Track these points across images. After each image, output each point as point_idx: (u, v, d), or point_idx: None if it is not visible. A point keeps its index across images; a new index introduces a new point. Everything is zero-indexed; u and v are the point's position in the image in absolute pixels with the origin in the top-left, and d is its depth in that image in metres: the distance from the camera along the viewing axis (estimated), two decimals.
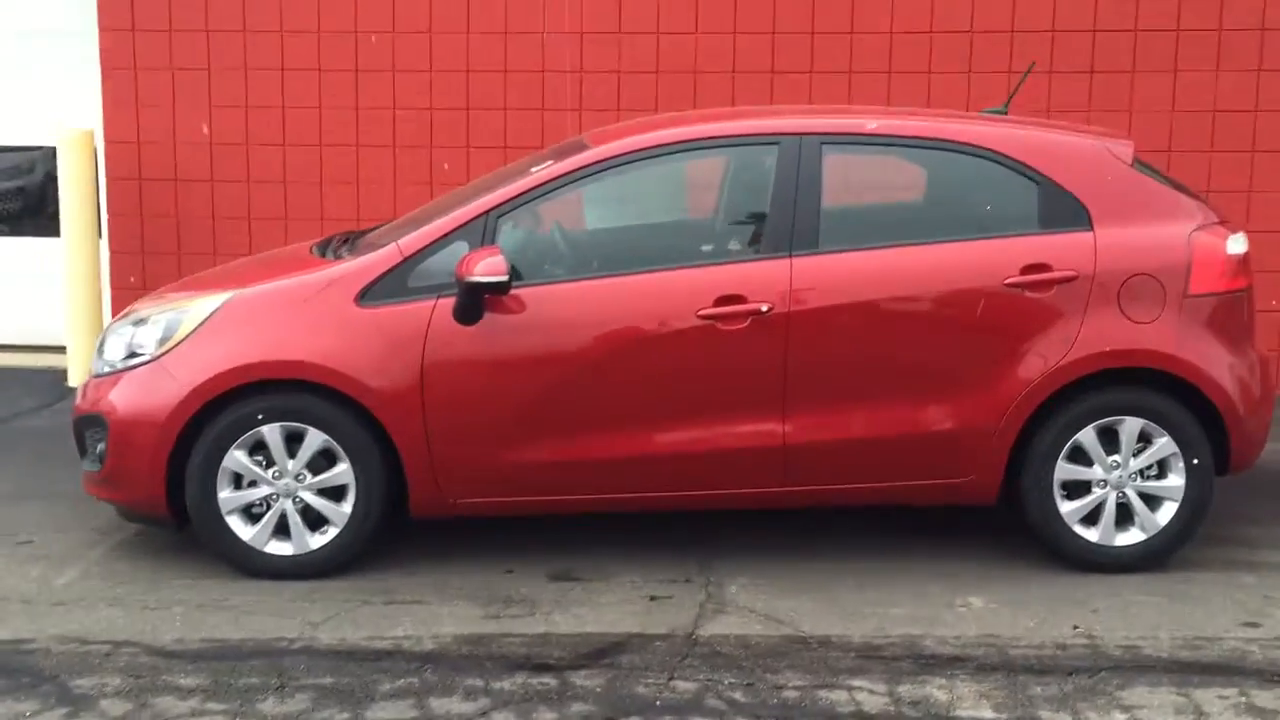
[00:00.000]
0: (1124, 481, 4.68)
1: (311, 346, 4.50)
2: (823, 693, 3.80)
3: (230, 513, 4.57)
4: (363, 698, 3.75)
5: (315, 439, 4.54)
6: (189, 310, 4.64)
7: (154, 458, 4.52)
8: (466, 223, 4.59)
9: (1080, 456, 4.66)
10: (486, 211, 4.60)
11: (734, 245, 4.79)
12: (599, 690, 3.81)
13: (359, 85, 7.93)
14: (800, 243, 4.59)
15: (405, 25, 7.87)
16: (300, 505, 4.59)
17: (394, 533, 4.83)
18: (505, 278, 4.35)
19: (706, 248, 4.88)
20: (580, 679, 3.88)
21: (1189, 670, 3.95)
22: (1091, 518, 4.70)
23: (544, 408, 4.55)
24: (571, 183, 4.67)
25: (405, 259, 4.57)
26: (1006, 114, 5.31)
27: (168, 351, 4.58)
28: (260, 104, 8.03)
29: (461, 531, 4.97)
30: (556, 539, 4.98)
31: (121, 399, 4.59)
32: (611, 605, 4.43)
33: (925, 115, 5.31)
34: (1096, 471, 4.67)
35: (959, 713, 3.68)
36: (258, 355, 4.51)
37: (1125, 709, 3.70)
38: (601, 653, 4.07)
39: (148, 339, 4.64)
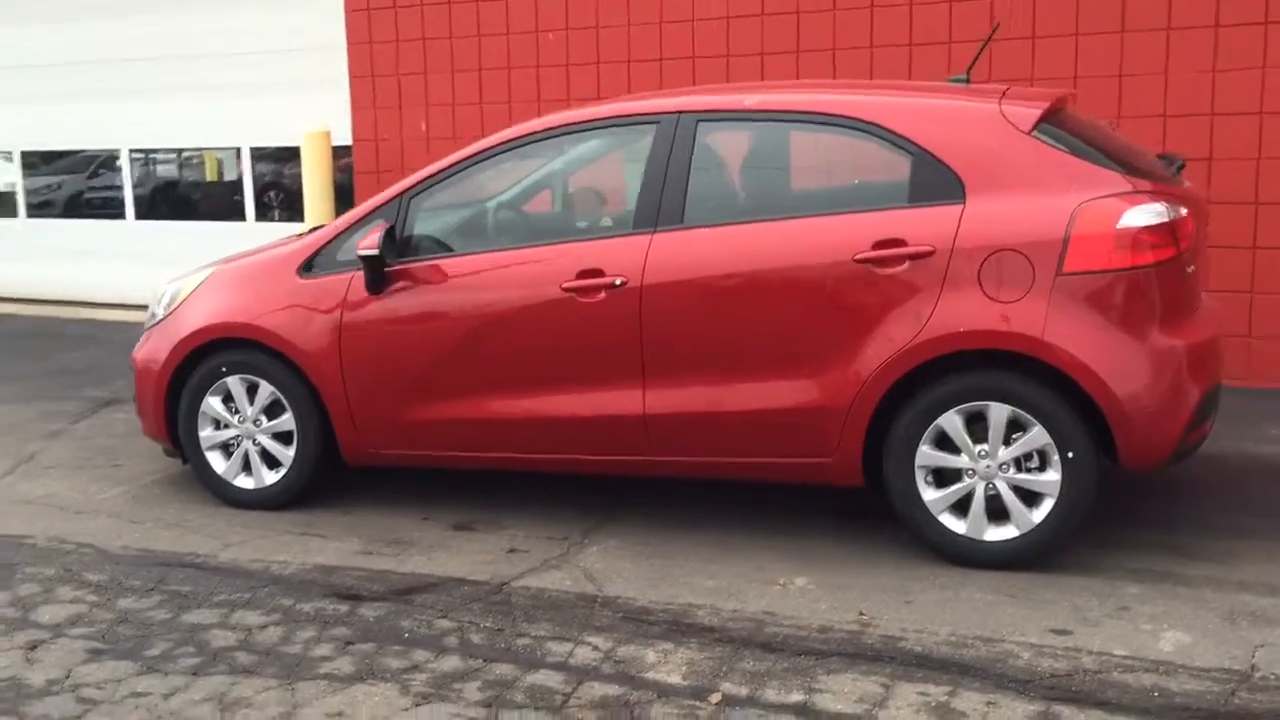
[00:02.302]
0: (993, 472, 4.39)
1: (259, 311, 5.25)
2: (551, 644, 4.00)
3: (210, 449, 5.43)
4: (192, 604, 4.43)
5: (266, 390, 5.29)
6: (188, 281, 5.55)
7: (155, 399, 5.47)
8: (384, 203, 5.14)
9: (948, 443, 4.43)
10: (401, 193, 5.11)
11: (606, 222, 4.98)
12: (370, 620, 4.24)
13: (539, 79, 8.63)
14: (666, 219, 4.71)
15: (577, 22, 8.47)
16: (259, 447, 5.36)
17: (377, 476, 5.51)
18: (376, 251, 4.86)
19: (583, 224, 5.09)
20: (366, 609, 4.33)
21: (924, 666, 3.74)
22: (966, 509, 4.45)
23: (434, 370, 5.00)
24: (471, 165, 5.07)
25: (336, 235, 5.19)
26: (968, 82, 5.04)
27: (170, 314, 5.51)
28: (464, 101, 8.96)
29: (421, 480, 5.52)
30: (492, 493, 5.41)
31: (140, 351, 5.58)
32: (471, 553, 4.82)
33: (807, 88, 5.14)
34: (964, 460, 4.42)
35: (649, 674, 3.77)
36: (220, 318, 5.32)
37: (809, 690, 3.61)
38: (411, 590, 4.49)
39: (161, 304, 5.61)
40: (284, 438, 5.32)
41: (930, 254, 4.37)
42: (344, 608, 4.36)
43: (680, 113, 4.80)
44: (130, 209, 11.05)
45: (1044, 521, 4.36)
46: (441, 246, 5.10)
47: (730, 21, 7.96)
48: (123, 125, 10.82)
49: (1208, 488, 5.29)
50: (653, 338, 4.68)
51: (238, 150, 10.43)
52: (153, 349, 5.50)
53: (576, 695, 3.65)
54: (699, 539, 4.86)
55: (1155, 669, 3.67)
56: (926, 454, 4.44)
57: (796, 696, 3.59)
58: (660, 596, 4.34)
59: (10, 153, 11.57)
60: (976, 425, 4.40)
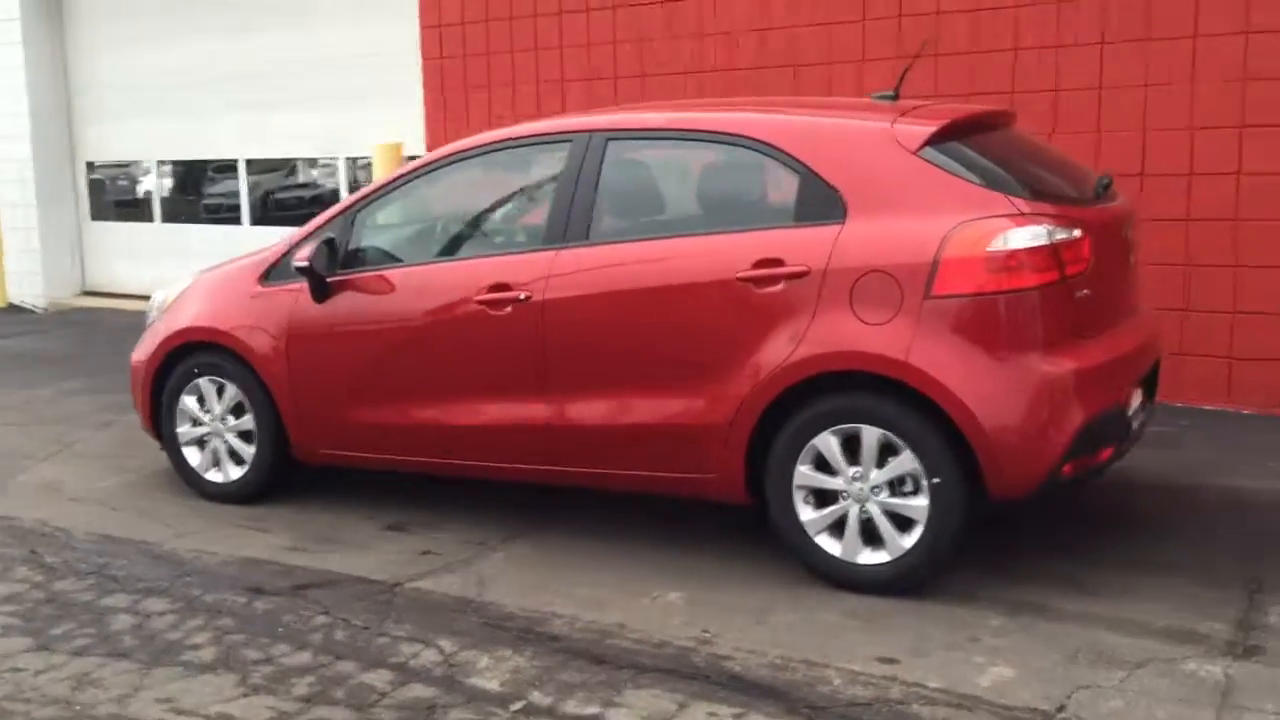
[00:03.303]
0: (866, 495, 4.34)
1: (225, 317, 5.59)
2: (404, 645, 4.15)
3: (186, 444, 5.81)
4: (116, 590, 4.76)
5: (231, 391, 5.63)
6: (176, 287, 5.95)
7: (143, 396, 5.89)
8: (334, 216, 5.40)
9: (826, 464, 4.40)
10: (348, 207, 5.37)
11: (521, 238, 5.10)
12: (258, 613, 4.48)
13: (591, 90, 8.81)
14: (573, 235, 4.82)
15: (626, 35, 8.63)
16: (227, 445, 5.71)
17: (347, 476, 5.76)
18: (307, 264, 5.13)
19: (500, 239, 5.23)
20: (261, 603, 4.58)
21: (731, 687, 3.74)
22: (844, 531, 4.41)
23: (366, 377, 5.24)
24: (409, 182, 5.29)
25: (291, 247, 5.49)
26: (897, 98, 4.97)
27: (159, 318, 5.92)
28: (524, 114, 9.20)
29: (383, 481, 5.77)
30: (447, 496, 5.58)
31: (135, 351, 6.01)
32: (387, 553, 5.03)
33: (708, 107, 5.12)
34: (839, 482, 4.38)
35: (471, 680, 3.87)
36: (193, 323, 5.69)
37: (607, 704, 3.66)
38: (310, 586, 4.72)
39: (154, 308, 6.02)
40: (247, 436, 5.64)
41: (805, 274, 4.35)
42: (242, 600, 4.62)
43: (592, 131, 4.90)
44: (246, 215, 11.76)
45: (913, 547, 4.28)
46: (384, 258, 5.32)
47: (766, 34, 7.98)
48: (238, 137, 11.54)
49: (1139, 518, 5.09)
50: (553, 351, 4.80)
51: (337, 160, 10.99)
52: (143, 350, 5.91)
53: (392, 696, 3.80)
54: (606, 549, 4.94)
55: (959, 704, 3.59)
56: (804, 474, 4.42)
57: (592, 709, 3.65)
58: (531, 604, 4.45)
59: (145, 162, 12.46)
60: (850, 446, 4.36)
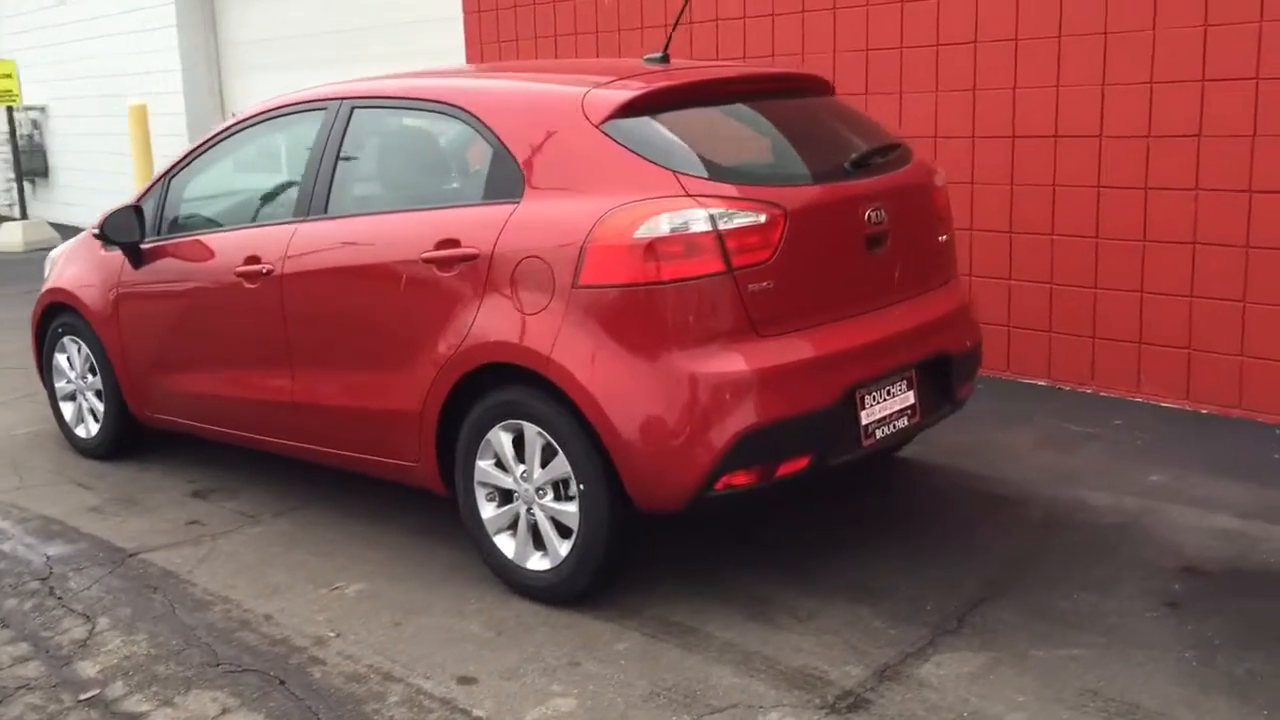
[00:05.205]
0: (533, 497, 4.04)
1: (76, 280, 5.75)
2: (67, 619, 4.18)
3: (62, 400, 6.06)
4: None
5: (82, 349, 5.81)
6: (58, 249, 6.16)
7: (34, 350, 6.17)
8: (153, 184, 5.45)
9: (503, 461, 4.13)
10: (164, 174, 5.40)
11: (279, 210, 4.96)
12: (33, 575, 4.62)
13: (620, 43, 8.50)
14: (315, 208, 4.67)
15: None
16: (88, 404, 5.91)
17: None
18: (97, 231, 5.20)
19: (265, 211, 5.08)
20: (39, 561, 4.70)
21: (281, 687, 3.58)
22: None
23: (164, 343, 5.29)
24: (206, 151, 5.25)
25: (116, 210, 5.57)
26: (666, 60, 4.53)
27: (49, 274, 6.16)
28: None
29: (224, 448, 5.83)
30: (258, 464, 5.56)
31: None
32: (160, 520, 5.04)
33: (434, 74, 4.74)
34: (510, 480, 4.10)
35: (79, 662, 3.87)
36: (55, 284, 5.89)
37: (163, 702, 3.58)
38: (60, 550, 4.82)
39: (48, 263, 6.26)
40: (101, 395, 5.83)
41: (475, 257, 4.05)
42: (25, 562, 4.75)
43: (341, 99, 4.72)
44: None
45: (567, 557, 3.96)
46: (181, 227, 5.32)
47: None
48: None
49: (892, 529, 4.56)
50: (293, 325, 4.69)
51: None
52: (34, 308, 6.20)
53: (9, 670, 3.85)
54: (365, 531, 4.79)
55: None
56: (483, 470, 4.16)
57: (145, 707, 3.57)
58: (218, 587, 4.37)
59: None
60: (521, 442, 4.06)
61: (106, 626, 4.11)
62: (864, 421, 4.03)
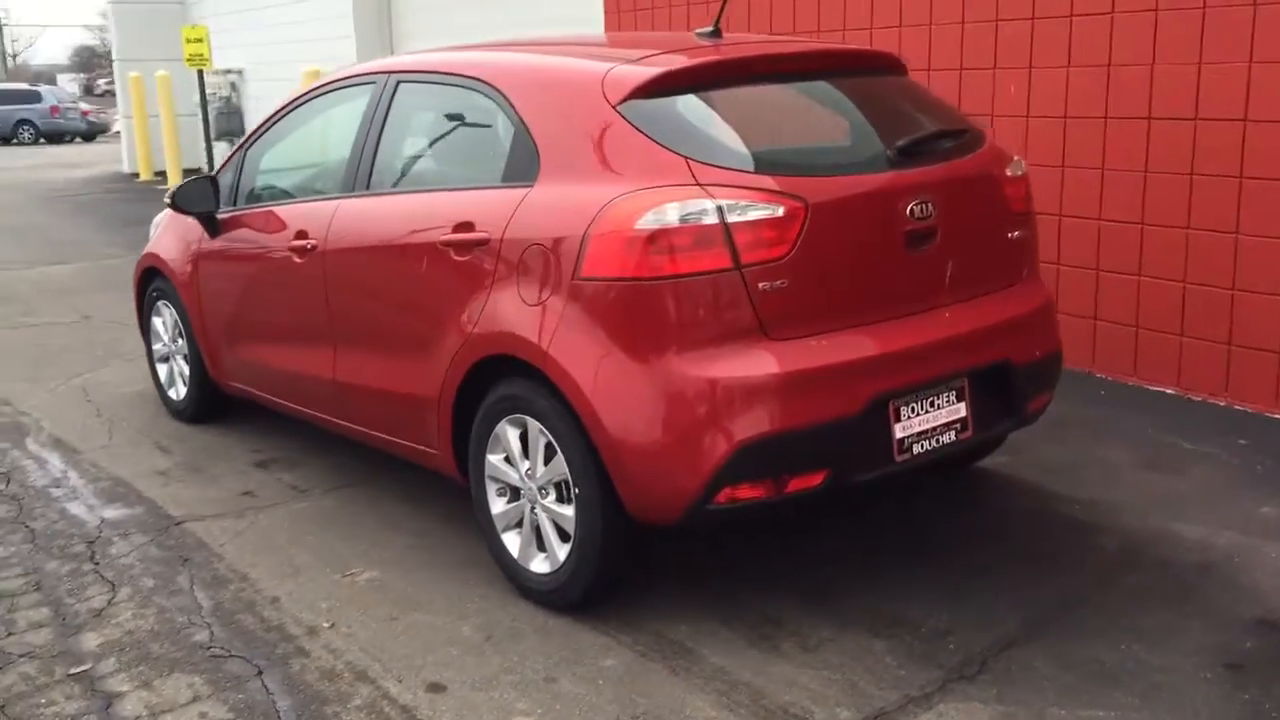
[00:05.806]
0: (536, 496, 3.85)
1: (168, 247, 5.83)
2: (93, 586, 4.23)
3: (158, 361, 6.19)
4: None
5: (171, 313, 5.91)
6: (158, 216, 6.27)
7: (137, 312, 6.31)
8: (232, 156, 5.46)
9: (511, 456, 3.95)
10: (242, 144, 5.40)
11: (327, 184, 4.85)
12: (37, 530, 4.71)
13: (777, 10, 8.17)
14: (359, 183, 4.57)
15: None
16: (178, 367, 6.01)
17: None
18: (169, 201, 5.24)
19: (319, 185, 4.96)
20: (46, 522, 4.80)
21: (240, 682, 3.50)
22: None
23: (234, 314, 5.31)
24: (278, 122, 5.22)
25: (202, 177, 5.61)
26: (719, 35, 4.23)
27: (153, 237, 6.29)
28: None
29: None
30: (326, 435, 5.55)
31: None
32: (218, 490, 5.08)
33: (481, 47, 4.48)
34: (517, 477, 3.91)
35: (80, 634, 3.90)
36: (151, 249, 6.00)
37: (145, 684, 3.56)
38: (116, 513, 4.89)
39: (153, 227, 6.37)
40: (187, 359, 5.91)
41: (486, 242, 3.86)
42: (49, 520, 4.87)
43: (389, 73, 4.59)
44: None
45: (565, 562, 3.75)
46: (254, 199, 5.31)
47: None
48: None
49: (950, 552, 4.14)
50: (334, 303, 4.61)
51: None
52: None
53: (16, 638, 3.90)
54: (404, 512, 4.72)
55: None
56: (492, 464, 3.98)
57: (124, 688, 3.55)
58: (242, 564, 4.34)
59: None
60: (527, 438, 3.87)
61: (125, 598, 4.13)
62: (898, 435, 3.67)
